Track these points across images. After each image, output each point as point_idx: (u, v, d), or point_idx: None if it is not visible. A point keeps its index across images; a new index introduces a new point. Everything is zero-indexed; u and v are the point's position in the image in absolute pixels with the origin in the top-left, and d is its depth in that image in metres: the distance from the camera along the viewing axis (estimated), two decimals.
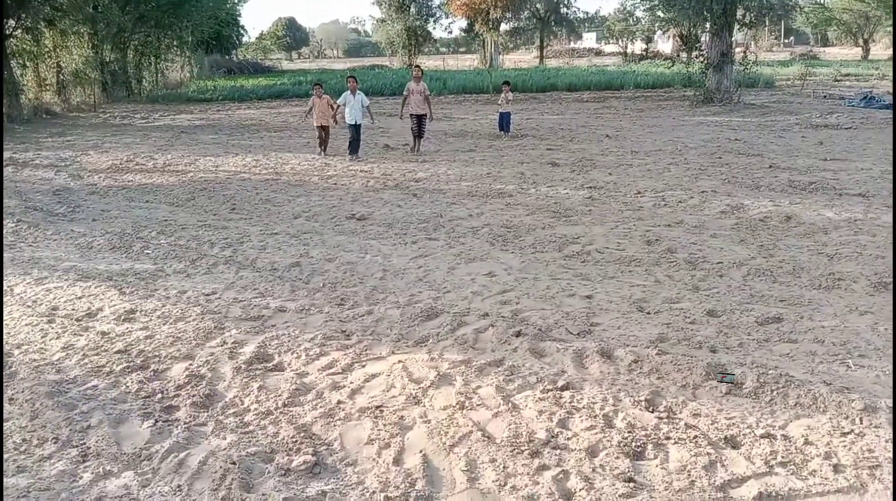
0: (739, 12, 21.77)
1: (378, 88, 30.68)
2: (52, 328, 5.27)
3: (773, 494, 3.12)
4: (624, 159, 12.47)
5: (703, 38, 23.35)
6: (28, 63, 24.71)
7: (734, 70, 21.96)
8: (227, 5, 42.31)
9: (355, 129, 13.19)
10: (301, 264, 6.74)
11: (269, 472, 3.37)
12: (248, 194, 10.30)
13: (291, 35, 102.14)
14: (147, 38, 32.31)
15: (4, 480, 3.39)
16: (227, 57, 55.49)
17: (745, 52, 22.74)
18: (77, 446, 3.69)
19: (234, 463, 3.41)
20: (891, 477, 3.21)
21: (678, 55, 25.22)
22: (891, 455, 3.38)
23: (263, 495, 3.19)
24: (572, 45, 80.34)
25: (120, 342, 4.96)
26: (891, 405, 3.79)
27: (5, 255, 7.33)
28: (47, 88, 25.94)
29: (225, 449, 3.55)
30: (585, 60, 60.15)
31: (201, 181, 11.34)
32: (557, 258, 6.82)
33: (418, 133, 13.87)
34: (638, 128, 17.16)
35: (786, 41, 77.16)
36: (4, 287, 6.27)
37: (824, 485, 3.18)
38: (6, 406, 4.12)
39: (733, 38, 22.24)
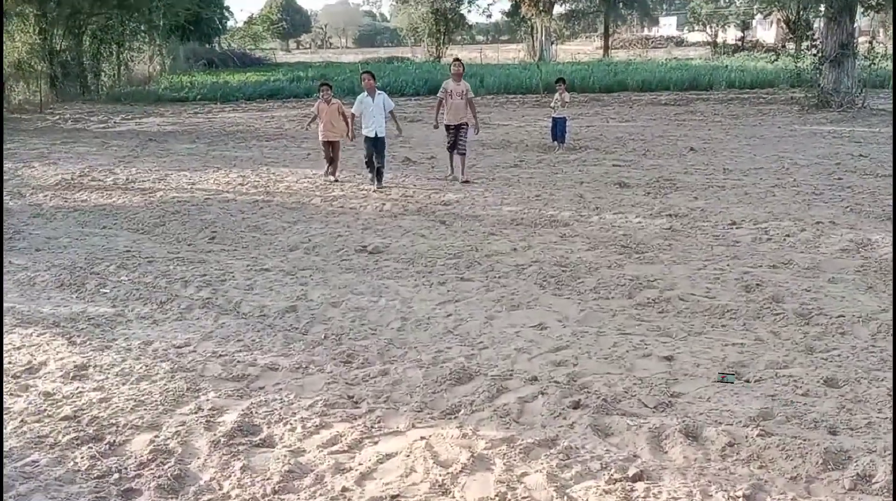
0: None
1: (398, 86, 31.17)
2: None
3: None
4: (714, 180, 12.48)
5: (816, 25, 23.42)
6: None
7: (857, 66, 21.90)
8: None
9: (376, 144, 12.23)
10: (298, 310, 6.80)
11: None
12: (232, 218, 10.46)
13: (289, 19, 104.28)
14: (108, 23, 33.16)
15: None
16: (208, 46, 56.71)
17: (871, 42, 22.71)
18: None
19: None
20: None
21: (783, 46, 25.22)
22: None
23: None
24: (646, 32, 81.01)
25: (68, 405, 5.03)
26: None
27: None
28: None
29: None
30: (663, 52, 60.53)
31: (173, 202, 11.54)
32: (627, 307, 6.81)
33: (457, 149, 12.89)
34: (732, 139, 17.17)
35: None
36: None
37: None
38: None
39: (856, 25, 22.26)
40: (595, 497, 3.91)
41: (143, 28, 37.18)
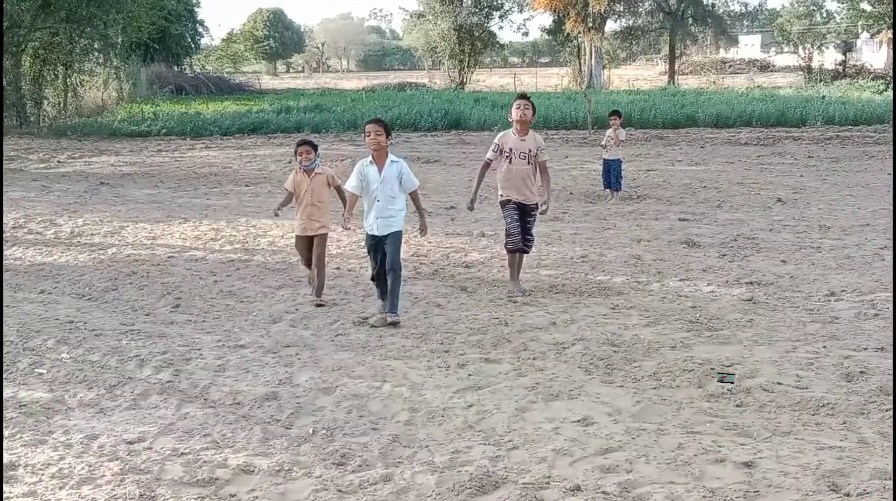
0: None
1: (411, 118, 31.55)
2: None
3: None
4: (806, 239, 12.54)
5: None
6: None
7: None
8: None
9: (384, 246, 8.86)
10: (280, 397, 6.84)
11: None
12: (201, 282, 10.58)
13: (278, 36, 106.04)
14: (54, 38, 33.84)
15: None
16: (176, 69, 57.80)
17: None
18: None
19: None
20: None
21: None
22: None
23: None
24: (723, 54, 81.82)
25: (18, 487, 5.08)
26: None
27: None
28: None
29: None
30: (744, 79, 61.02)
31: (129, 262, 11.69)
32: (696, 399, 6.81)
33: (522, 241, 9.76)
34: (830, 188, 17.25)
35: None
36: None
37: None
38: None
39: None
40: None
41: (96, 46, 37.88)
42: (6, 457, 5.82)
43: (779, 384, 7.06)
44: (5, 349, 8.12)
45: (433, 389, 7.06)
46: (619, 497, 5.20)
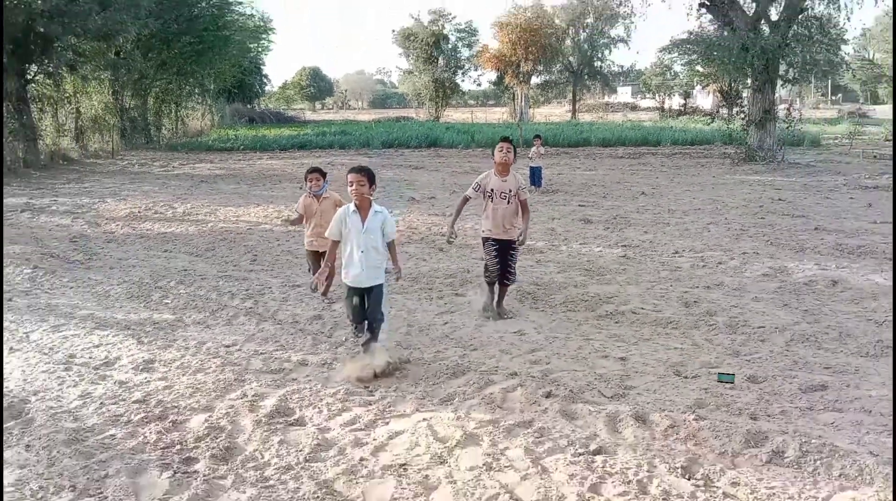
0: (782, 68, 22.12)
1: (404, 139, 31.33)
2: (69, 376, 5.44)
3: None
4: (660, 218, 12.61)
5: (744, 94, 23.69)
6: (47, 108, 25.67)
7: (777, 128, 22.17)
8: (251, 54, 43.78)
9: (366, 295, 5.75)
10: (323, 318, 6.90)
11: None
12: (269, 245, 10.56)
13: (315, 85, 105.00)
14: (168, 86, 33.47)
15: None
16: (249, 106, 57.11)
17: (788, 109, 23.00)
18: (94, 495, 3.80)
19: None
20: None
21: (718, 111, 25.56)
22: None
23: None
24: (606, 99, 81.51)
25: (138, 391, 5.11)
26: None
27: (23, 301, 7.58)
28: (65, 133, 26.84)
29: None
30: (620, 115, 60.96)
31: (221, 231, 11.64)
32: (590, 318, 6.91)
33: (502, 275, 7.04)
34: (676, 186, 17.34)
35: (833, 98, 77.63)
36: (20, 333, 6.49)
37: None
38: (23, 453, 4.26)
39: (777, 95, 22.54)
40: (563, 466, 4.00)
41: (196, 91, 37.46)
42: (146, 355, 5.85)
43: (642, 309, 7.16)
44: (143, 288, 8.11)
45: (422, 312, 7.12)
46: (541, 378, 5.29)
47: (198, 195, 16.17)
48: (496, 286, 7.07)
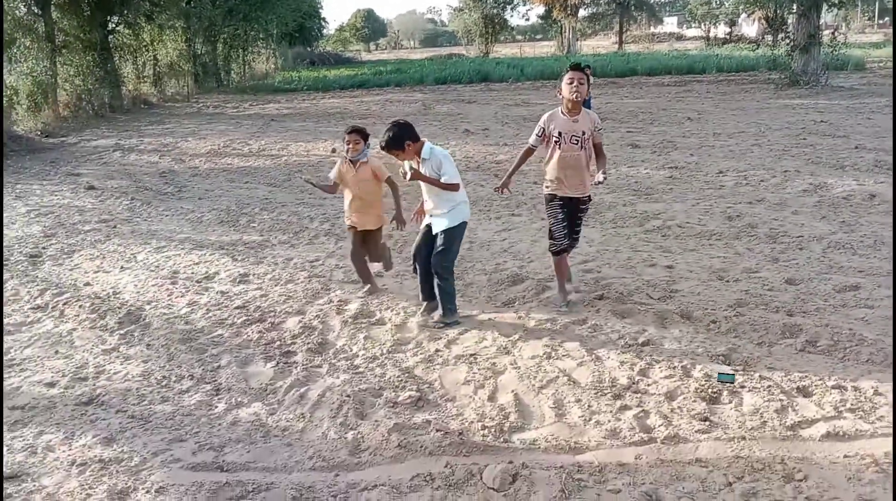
0: None
1: (456, 76, 31.10)
2: (176, 289, 5.89)
3: (841, 434, 3.37)
4: (706, 141, 12.48)
5: (789, 20, 22.78)
6: (128, 56, 26.18)
7: (822, 52, 21.36)
8: None
9: (432, 239, 5.05)
10: (393, 236, 7.19)
11: (379, 404, 3.83)
12: None
13: (370, 26, 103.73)
14: (235, 32, 33.61)
15: (152, 407, 3.95)
16: (309, 49, 56.92)
17: (833, 33, 22.06)
18: (210, 382, 4.23)
19: (348, 396, 3.88)
20: None
21: (763, 38, 24.63)
22: None
23: (376, 421, 3.65)
24: (652, 29, 78.76)
25: (238, 299, 5.53)
26: None
27: (126, 227, 8.08)
28: (145, 79, 27.38)
29: (339, 386, 4.04)
30: (666, 45, 59.03)
31: (295, 164, 11.98)
32: (638, 233, 7.07)
33: (568, 241, 5.24)
34: (720, 111, 17.00)
35: (880, 22, 73.52)
36: (128, 254, 6.97)
37: (890, 428, 3.41)
38: (145, 350, 4.71)
39: (822, 20, 21.64)
40: (615, 355, 4.27)
41: (261, 36, 37.57)
42: (241, 270, 6.26)
43: (687, 222, 7.28)
44: (231, 215, 8.52)
45: (482, 231, 7.37)
46: (594, 284, 5.53)
47: (269, 133, 16.51)
48: (566, 261, 5.30)
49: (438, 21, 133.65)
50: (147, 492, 3.14)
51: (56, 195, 9.92)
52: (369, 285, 5.60)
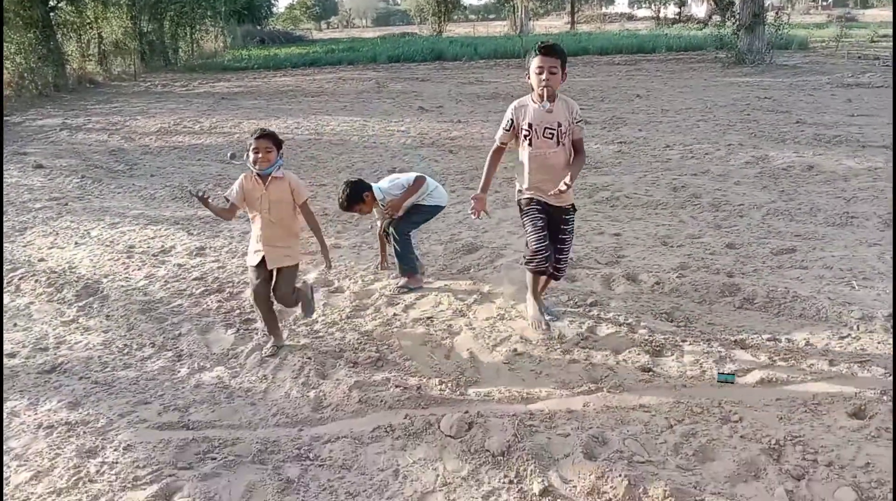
0: None
1: (410, 54, 31.03)
2: (133, 262, 5.92)
3: (774, 380, 3.64)
4: (654, 117, 12.78)
5: (735, 1, 23.28)
6: (71, 34, 25.51)
7: (766, 32, 21.93)
8: None
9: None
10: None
11: (339, 365, 3.97)
12: (293, 152, 10.85)
13: (320, 4, 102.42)
14: (182, 9, 32.87)
15: (115, 373, 4.03)
16: (258, 27, 55.94)
17: (777, 13, 22.65)
18: (171, 349, 4.32)
19: (309, 358, 4.02)
20: (880, 370, 3.69)
21: (710, 18, 25.13)
22: (882, 350, 3.86)
23: (337, 380, 3.79)
24: (604, 10, 79.44)
25: (196, 271, 5.59)
26: (886, 314, 4.26)
27: (78, 204, 8.01)
28: (90, 58, 26.71)
29: (300, 349, 4.16)
30: (617, 25, 59.61)
31: (247, 142, 11.91)
32: (588, 204, 7.28)
33: (551, 261, 4.14)
34: (669, 89, 17.37)
35: (824, 3, 75.50)
36: (82, 230, 6.94)
37: (819, 374, 3.69)
38: (104, 321, 4.77)
39: (768, 1, 22.18)
40: (565, 315, 4.48)
41: (209, 13, 36.86)
42: (198, 244, 6.29)
43: (635, 194, 7.52)
44: (184, 191, 8.48)
45: None
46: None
47: (221, 111, 16.33)
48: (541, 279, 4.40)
49: (391, 1, 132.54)
50: (115, 450, 3.24)
51: (3, 174, 9.74)
52: (274, 338, 4.23)
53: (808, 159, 8.73)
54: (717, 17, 24.48)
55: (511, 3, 56.88)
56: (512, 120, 4.14)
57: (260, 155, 4.05)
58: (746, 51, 21.69)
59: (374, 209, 5.15)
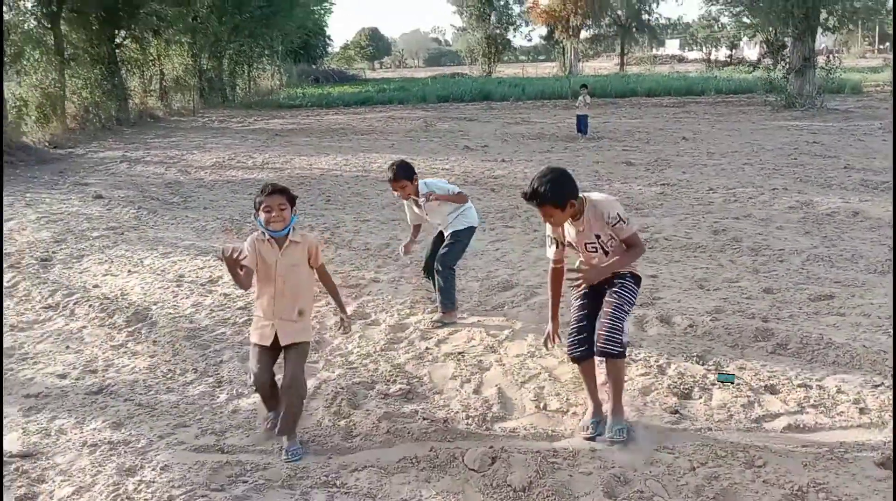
0: (822, 16, 21.54)
1: (458, 94, 31.54)
2: (182, 291, 6.16)
3: (801, 426, 3.61)
4: (699, 160, 12.76)
5: (788, 43, 23.18)
6: (135, 70, 26.66)
7: (817, 75, 21.74)
8: (315, 16, 44.11)
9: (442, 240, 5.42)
10: (391, 245, 7.46)
11: (371, 396, 4.08)
12: (340, 188, 11.16)
13: (374, 45, 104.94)
14: (241, 48, 34.17)
15: (158, 396, 4.20)
16: (313, 66, 57.65)
17: (828, 57, 22.46)
18: (213, 375, 4.49)
19: (342, 388, 4.13)
20: None
21: (760, 61, 25.03)
22: None
23: (367, 410, 3.90)
24: (654, 52, 79.46)
25: (240, 301, 5.79)
26: None
27: (133, 234, 8.36)
28: (151, 93, 27.85)
29: (335, 379, 4.29)
30: (667, 67, 59.59)
31: (298, 177, 12.28)
32: None
33: (600, 338, 3.56)
34: (716, 131, 17.33)
35: (881, 47, 74.21)
36: (135, 259, 7.24)
37: (848, 422, 3.65)
38: (151, 346, 4.97)
39: (821, 44, 22.04)
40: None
41: (266, 52, 38.18)
42: None
43: (674, 236, 7.53)
44: (235, 223, 8.79)
45: (476, 241, 7.41)
46: None
47: (273, 147, 16.84)
48: (593, 367, 3.77)
49: (443, 41, 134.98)
50: (153, 470, 3.38)
51: (65, 204, 10.22)
52: (272, 415, 3.67)
53: (854, 205, 8.62)
54: (767, 61, 24.35)
55: (560, 45, 57.37)
56: (554, 239, 3.81)
57: (273, 214, 3.50)
58: (797, 94, 21.54)
59: (412, 202, 5.28)
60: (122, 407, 4.04)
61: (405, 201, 5.39)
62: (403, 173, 5.08)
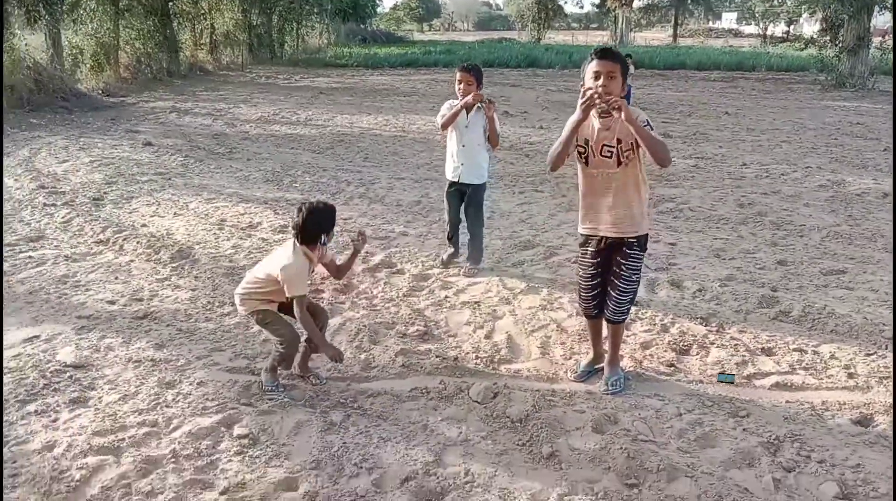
0: None
1: (504, 59, 31.42)
2: (223, 233, 6.55)
3: (789, 385, 3.85)
4: (738, 135, 12.74)
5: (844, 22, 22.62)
6: (186, 24, 27.13)
7: (871, 55, 21.23)
8: None
9: (466, 196, 5.59)
10: (422, 202, 7.76)
11: (390, 334, 4.42)
12: (378, 147, 11.45)
13: (424, 6, 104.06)
14: (290, 5, 34.38)
15: (197, 324, 4.59)
16: (361, 26, 57.46)
17: (883, 37, 21.88)
18: None
19: (365, 326, 4.48)
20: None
21: (814, 38, 24.46)
22: None
23: (386, 347, 4.24)
24: (710, 24, 77.68)
25: (276, 245, 6.14)
26: None
27: (180, 180, 8.79)
28: (202, 47, 28.32)
29: (358, 318, 4.64)
30: (722, 41, 58.27)
31: (339, 135, 12.60)
32: (651, 213, 7.48)
33: (598, 305, 3.82)
34: (760, 108, 17.14)
35: None
36: (181, 203, 7.66)
37: (834, 384, 3.88)
38: (193, 281, 5.37)
39: (877, 24, 21.46)
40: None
41: (315, 10, 38.35)
42: (282, 222, 6.88)
43: (700, 207, 7.68)
44: (276, 175, 9.16)
45: (504, 202, 7.87)
46: None
47: (317, 105, 17.17)
48: (601, 324, 3.86)
49: (493, 4, 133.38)
50: (190, 384, 3.78)
51: (116, 149, 10.70)
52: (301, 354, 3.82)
53: (886, 187, 8.64)
54: (824, 38, 23.79)
55: (613, 14, 56.41)
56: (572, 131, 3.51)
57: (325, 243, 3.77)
58: (848, 74, 21.09)
59: (460, 103, 5.38)
60: (164, 331, 4.44)
61: (448, 102, 5.52)
62: (477, 71, 5.42)
